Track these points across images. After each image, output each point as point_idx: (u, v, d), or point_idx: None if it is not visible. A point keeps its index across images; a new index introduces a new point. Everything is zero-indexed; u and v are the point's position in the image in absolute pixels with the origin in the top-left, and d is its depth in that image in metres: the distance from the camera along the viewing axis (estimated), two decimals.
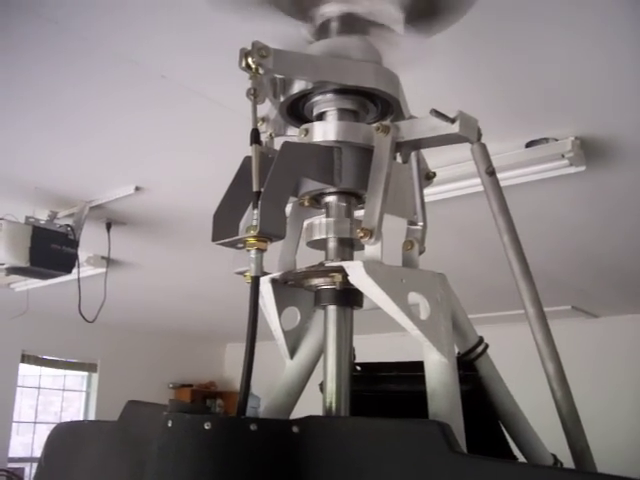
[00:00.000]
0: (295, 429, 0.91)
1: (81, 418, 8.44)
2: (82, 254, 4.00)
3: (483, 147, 1.12)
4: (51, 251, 3.54)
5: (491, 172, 1.10)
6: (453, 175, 2.85)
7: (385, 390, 1.28)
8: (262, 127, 1.26)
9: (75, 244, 3.62)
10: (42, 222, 3.61)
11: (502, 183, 2.84)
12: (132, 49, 2.16)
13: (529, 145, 2.79)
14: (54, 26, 2.01)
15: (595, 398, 6.47)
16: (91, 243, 4.00)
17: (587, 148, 2.77)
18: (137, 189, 3.42)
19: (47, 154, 3.07)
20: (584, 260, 4.71)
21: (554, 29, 2.01)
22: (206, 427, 0.88)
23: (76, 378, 8.57)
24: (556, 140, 2.73)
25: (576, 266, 4.88)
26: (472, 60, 2.20)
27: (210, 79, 2.35)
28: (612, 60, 2.17)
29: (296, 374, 1.25)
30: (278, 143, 1.19)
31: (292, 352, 1.25)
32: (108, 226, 3.98)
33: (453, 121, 1.07)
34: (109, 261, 4.33)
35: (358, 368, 1.29)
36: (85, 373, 8.52)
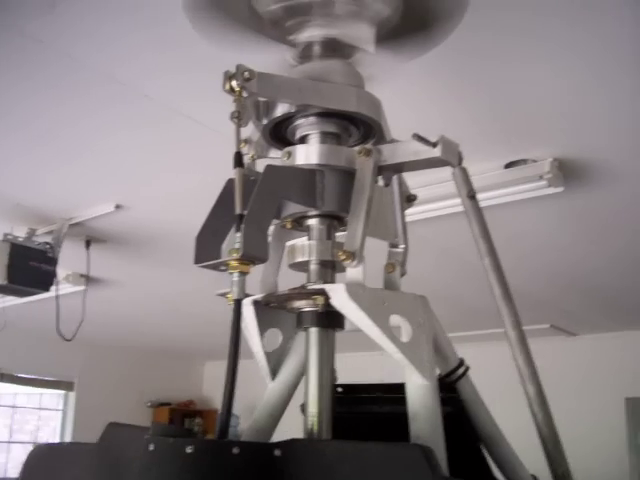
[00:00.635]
0: (277, 452, 0.90)
1: (57, 437, 8.33)
2: (61, 271, 3.97)
3: (464, 171, 1.14)
4: (29, 269, 3.52)
5: (472, 196, 1.12)
6: (435, 195, 2.86)
7: (367, 412, 1.29)
8: (244, 149, 1.26)
9: (54, 262, 3.60)
10: (20, 239, 3.58)
11: (482, 203, 2.86)
12: (116, 68, 2.17)
13: (508, 166, 2.82)
14: (39, 45, 2.02)
15: (575, 417, 6.50)
16: (70, 260, 3.97)
17: (565, 169, 2.80)
18: (117, 207, 3.41)
19: (27, 172, 3.06)
20: (562, 279, 4.75)
21: (534, 53, 2.04)
22: (188, 450, 0.87)
23: (52, 397, 8.47)
24: (535, 161, 2.77)
25: (554, 285, 4.92)
26: (452, 84, 2.23)
27: (192, 99, 2.36)
28: (591, 83, 2.21)
29: (278, 396, 1.25)
30: (260, 165, 1.20)
31: (274, 373, 1.25)
32: (87, 243, 3.96)
33: (435, 145, 1.08)
34: (88, 279, 4.30)
35: (340, 389, 1.29)
36: (62, 392, 8.42)
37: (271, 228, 1.18)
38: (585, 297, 5.33)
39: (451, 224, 3.01)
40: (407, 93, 2.20)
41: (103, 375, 8.39)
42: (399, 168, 1.15)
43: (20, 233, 3.64)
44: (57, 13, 1.88)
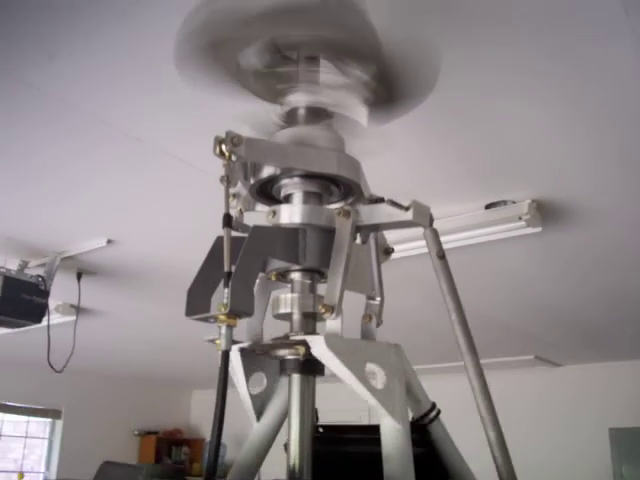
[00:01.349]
0: None
1: (43, 466, 8.30)
2: (51, 302, 4.02)
3: (435, 232, 1.23)
4: (21, 301, 3.56)
5: (442, 256, 1.21)
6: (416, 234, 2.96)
7: (345, 451, 1.37)
8: (233, 202, 1.35)
9: (45, 294, 3.65)
10: (13, 272, 3.64)
11: (463, 242, 2.92)
12: (107, 111, 2.26)
13: (488, 207, 2.93)
14: (36, 90, 2.11)
15: (559, 447, 6.55)
16: (61, 291, 4.03)
17: (543, 210, 2.91)
18: (109, 242, 3.49)
19: (22, 206, 3.14)
20: (546, 313, 4.86)
21: (508, 101, 2.14)
22: None
23: (39, 424, 8.45)
24: (514, 202, 2.88)
25: (538, 318, 5.02)
26: (435, 132, 2.33)
27: (180, 140, 2.45)
28: (565, 127, 2.31)
29: (263, 435, 1.33)
30: (247, 217, 1.30)
31: (259, 415, 1.33)
32: (79, 276, 4.02)
33: (407, 209, 1.18)
34: (79, 310, 4.35)
35: (321, 430, 1.37)
36: (49, 419, 8.41)
37: (257, 280, 1.27)
38: (568, 330, 5.44)
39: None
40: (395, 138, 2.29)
41: (91, 403, 8.39)
42: (375, 228, 1.25)
43: (12, 266, 3.70)
44: (54, 62, 1.98)
